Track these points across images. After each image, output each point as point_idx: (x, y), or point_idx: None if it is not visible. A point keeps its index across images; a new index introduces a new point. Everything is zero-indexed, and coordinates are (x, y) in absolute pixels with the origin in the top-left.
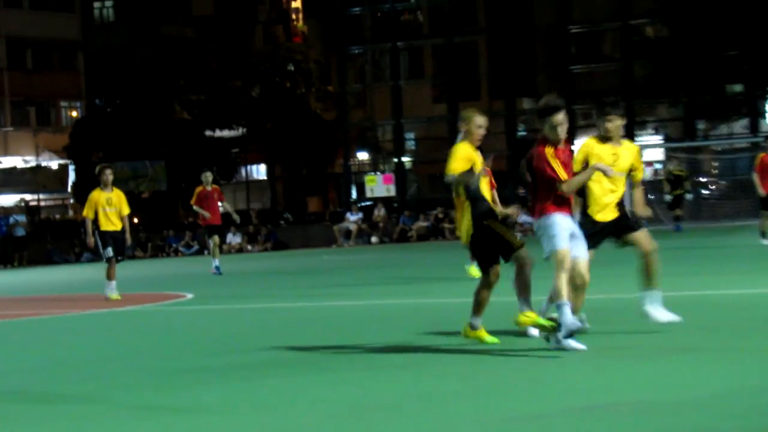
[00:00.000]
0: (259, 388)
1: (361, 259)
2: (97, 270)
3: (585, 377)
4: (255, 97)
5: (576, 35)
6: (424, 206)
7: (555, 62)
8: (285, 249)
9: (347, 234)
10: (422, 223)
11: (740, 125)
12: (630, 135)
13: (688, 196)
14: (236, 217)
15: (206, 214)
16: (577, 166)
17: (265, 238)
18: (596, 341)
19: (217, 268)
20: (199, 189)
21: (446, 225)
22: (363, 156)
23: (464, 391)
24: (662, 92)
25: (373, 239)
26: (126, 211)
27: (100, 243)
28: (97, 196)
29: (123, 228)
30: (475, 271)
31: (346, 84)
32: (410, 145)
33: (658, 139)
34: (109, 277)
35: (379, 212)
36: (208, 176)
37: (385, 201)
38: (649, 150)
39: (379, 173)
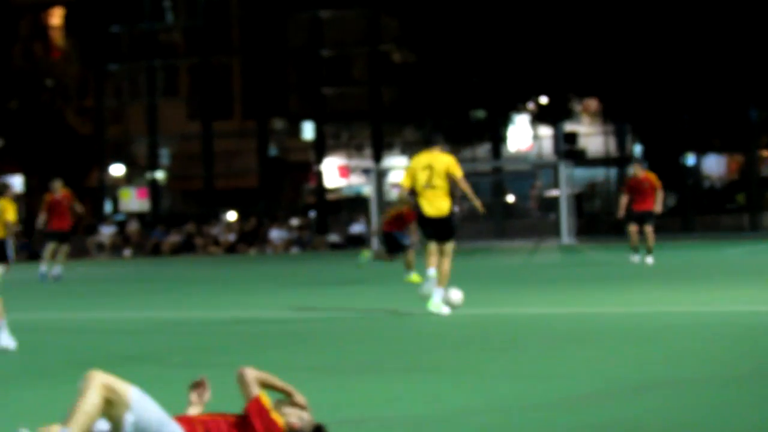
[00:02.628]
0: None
1: (113, 272)
2: None
3: (328, 394)
4: (12, 110)
5: (327, 59)
6: (177, 221)
7: (306, 84)
8: (39, 259)
9: (100, 247)
10: (175, 238)
11: (483, 150)
12: (377, 156)
13: None
14: (81, 211)
15: (41, 224)
16: None
17: (19, 249)
18: (335, 358)
19: (52, 275)
20: (48, 197)
21: (199, 240)
22: (118, 170)
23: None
24: (408, 116)
25: (126, 252)
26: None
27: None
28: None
29: None
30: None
31: (103, 100)
32: (165, 161)
33: (404, 160)
34: None
35: (133, 226)
36: (57, 184)
37: (140, 215)
38: (396, 171)
39: (133, 187)
